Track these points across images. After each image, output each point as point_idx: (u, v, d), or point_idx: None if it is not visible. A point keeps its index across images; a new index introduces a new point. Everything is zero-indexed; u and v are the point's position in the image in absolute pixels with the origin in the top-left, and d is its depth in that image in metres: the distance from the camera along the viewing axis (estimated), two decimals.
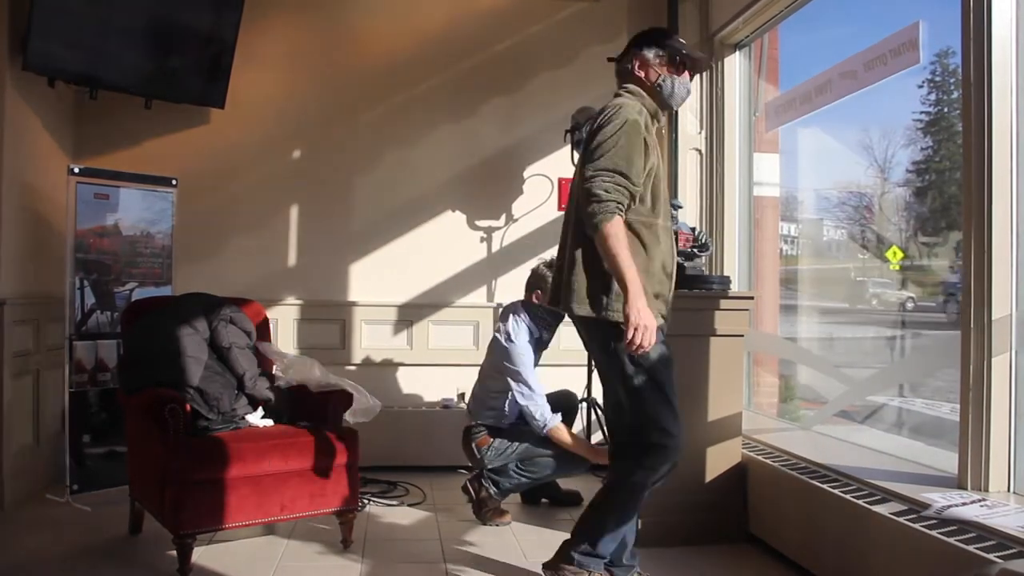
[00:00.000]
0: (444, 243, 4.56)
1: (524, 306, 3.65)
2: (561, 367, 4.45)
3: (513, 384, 3.48)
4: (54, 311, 3.81)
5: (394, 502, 3.77)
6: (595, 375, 4.18)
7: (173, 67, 4.15)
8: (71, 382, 3.62)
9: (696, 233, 3.33)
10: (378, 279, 4.53)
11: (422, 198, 4.55)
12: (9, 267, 3.63)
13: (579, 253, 2.44)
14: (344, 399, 3.18)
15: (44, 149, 4.01)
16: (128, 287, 3.86)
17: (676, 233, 3.18)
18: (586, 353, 4.18)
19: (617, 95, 2.54)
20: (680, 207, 3.45)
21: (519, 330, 3.57)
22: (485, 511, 3.50)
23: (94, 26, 3.82)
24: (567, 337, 4.49)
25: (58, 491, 3.65)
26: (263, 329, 3.56)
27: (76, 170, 3.67)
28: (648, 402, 2.43)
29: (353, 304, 4.50)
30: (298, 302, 4.47)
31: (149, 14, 3.98)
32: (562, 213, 4.58)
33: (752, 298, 3.40)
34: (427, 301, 4.54)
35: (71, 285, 3.64)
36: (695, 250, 3.32)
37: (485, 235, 4.62)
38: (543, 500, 3.81)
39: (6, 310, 3.51)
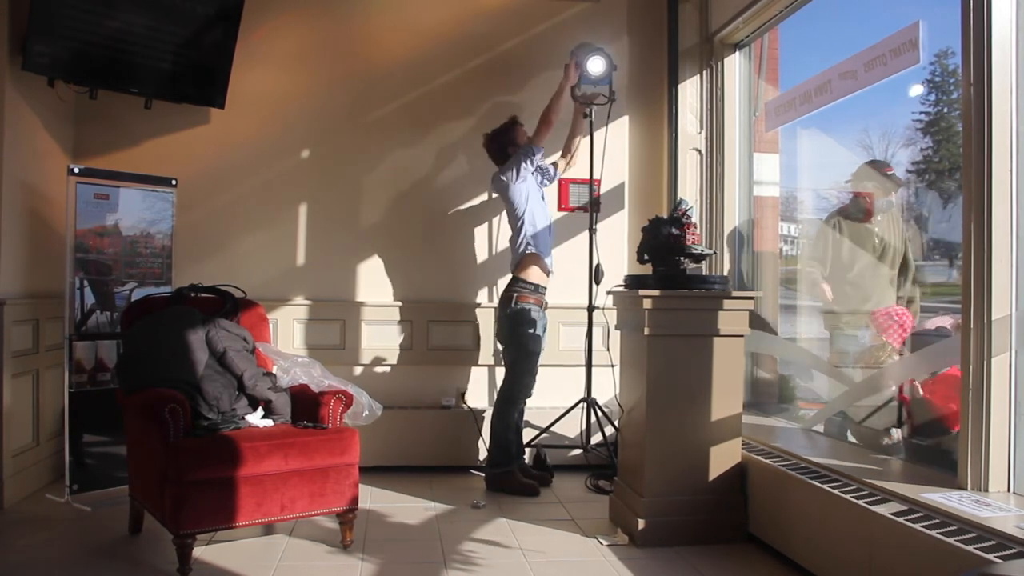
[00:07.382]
0: (446, 242, 4.55)
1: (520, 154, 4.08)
2: (561, 367, 4.46)
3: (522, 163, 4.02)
4: (54, 311, 3.81)
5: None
6: (595, 375, 4.21)
7: (172, 67, 4.14)
8: (71, 382, 3.62)
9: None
10: (377, 278, 4.53)
11: (425, 198, 4.55)
12: (9, 267, 3.63)
13: None
14: (345, 399, 3.18)
15: (44, 149, 4.01)
16: (128, 287, 3.86)
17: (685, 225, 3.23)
18: (585, 353, 4.22)
19: None
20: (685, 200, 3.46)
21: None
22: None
23: (93, 26, 3.82)
24: (567, 337, 4.52)
25: (58, 491, 3.65)
26: (263, 329, 3.56)
27: (76, 170, 3.67)
28: None
29: (353, 304, 4.49)
30: (299, 302, 4.46)
31: (148, 14, 3.98)
32: (564, 212, 4.63)
33: (753, 298, 3.40)
34: (428, 300, 4.53)
35: (71, 285, 3.64)
36: (691, 260, 3.33)
37: (488, 234, 4.62)
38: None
39: (6, 310, 3.51)
